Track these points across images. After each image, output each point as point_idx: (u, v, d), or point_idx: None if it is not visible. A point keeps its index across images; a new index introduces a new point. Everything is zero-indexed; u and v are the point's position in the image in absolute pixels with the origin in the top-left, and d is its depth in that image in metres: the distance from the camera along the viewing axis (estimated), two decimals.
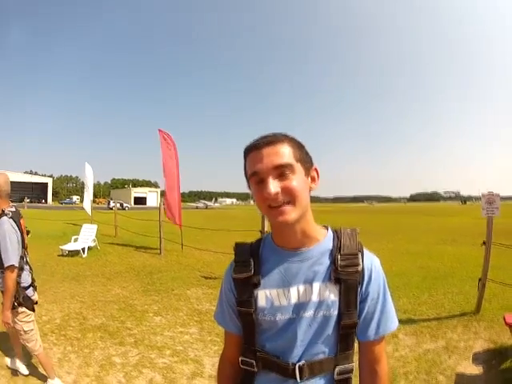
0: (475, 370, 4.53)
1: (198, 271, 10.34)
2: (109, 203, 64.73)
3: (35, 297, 4.01)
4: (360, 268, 1.32)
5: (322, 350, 1.33)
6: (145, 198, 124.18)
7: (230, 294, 1.46)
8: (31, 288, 3.94)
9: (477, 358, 4.78)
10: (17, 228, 3.72)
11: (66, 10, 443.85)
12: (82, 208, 23.98)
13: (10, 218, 3.67)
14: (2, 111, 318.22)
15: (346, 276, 1.30)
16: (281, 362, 1.33)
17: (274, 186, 1.23)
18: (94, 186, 29.64)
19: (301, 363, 1.31)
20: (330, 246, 1.37)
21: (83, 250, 12.73)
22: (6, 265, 3.53)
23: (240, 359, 1.43)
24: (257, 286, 1.37)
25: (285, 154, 1.26)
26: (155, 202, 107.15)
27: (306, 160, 1.34)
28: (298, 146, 1.33)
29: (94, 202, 24.69)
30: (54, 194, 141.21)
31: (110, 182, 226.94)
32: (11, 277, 3.57)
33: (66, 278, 9.18)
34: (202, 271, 10.35)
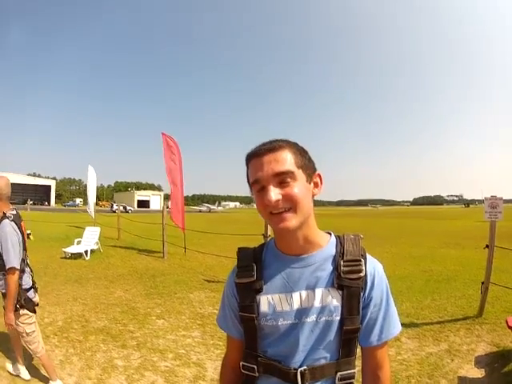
0: (477, 373, 4.51)
1: (200, 275, 10.33)
2: (112, 206, 64.80)
3: (36, 299, 4.02)
4: (363, 274, 1.32)
5: (324, 356, 1.33)
6: (148, 201, 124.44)
7: (232, 299, 1.46)
8: (32, 290, 3.95)
9: (479, 362, 4.76)
10: (18, 230, 3.74)
11: (67, 9, 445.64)
12: (85, 210, 24.02)
13: (12, 220, 3.70)
14: (6, 112, 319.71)
15: (348, 282, 1.30)
16: (282, 367, 1.33)
17: (274, 193, 1.23)
18: (98, 188, 29.71)
19: (302, 368, 1.30)
20: (333, 251, 1.36)
21: (86, 252, 12.74)
22: (7, 267, 3.55)
23: (241, 364, 1.43)
24: (259, 291, 1.36)
25: (285, 160, 1.26)
26: (158, 206, 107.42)
27: (308, 166, 1.34)
28: (300, 152, 1.33)
29: (97, 204, 24.75)
30: (57, 196, 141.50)
31: (113, 184, 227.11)
32: (13, 279, 3.58)
33: (68, 281, 9.20)
34: (204, 275, 10.34)
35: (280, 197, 1.23)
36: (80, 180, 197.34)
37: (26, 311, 3.82)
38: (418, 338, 5.55)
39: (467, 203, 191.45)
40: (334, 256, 1.35)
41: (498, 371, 4.52)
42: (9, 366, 4.36)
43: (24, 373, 4.28)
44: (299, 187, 1.26)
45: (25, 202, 40.07)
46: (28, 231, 16.70)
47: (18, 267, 3.63)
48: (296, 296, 1.33)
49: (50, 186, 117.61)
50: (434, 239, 19.64)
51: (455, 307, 7.00)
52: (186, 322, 6.39)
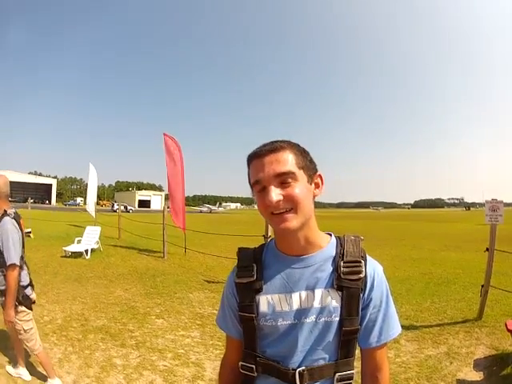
0: (476, 376, 4.50)
1: (200, 275, 10.33)
2: (113, 206, 64.82)
3: (33, 296, 4.03)
4: (363, 275, 1.32)
5: (323, 356, 1.33)
6: (149, 201, 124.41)
7: (232, 299, 1.46)
8: (29, 287, 3.96)
9: (478, 365, 4.76)
10: (18, 228, 3.77)
11: (67, 9, 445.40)
12: (86, 210, 24.03)
13: (13, 218, 3.73)
14: (8, 111, 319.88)
15: (348, 283, 1.30)
16: (281, 367, 1.33)
17: (275, 194, 1.23)
18: (99, 188, 29.68)
19: (301, 369, 1.30)
20: (333, 252, 1.37)
21: (86, 251, 12.75)
22: (8, 263, 3.56)
23: (240, 364, 1.43)
24: (259, 291, 1.37)
25: (287, 161, 1.27)
26: (159, 206, 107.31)
27: (309, 167, 1.34)
28: (301, 153, 1.33)
29: (98, 204, 24.74)
30: (58, 195, 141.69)
31: (114, 184, 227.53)
32: (13, 275, 3.59)
33: (68, 279, 9.20)
34: (204, 275, 10.34)
35: (281, 197, 1.23)
36: (81, 179, 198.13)
37: (23, 308, 3.83)
38: (418, 340, 5.55)
39: (468, 206, 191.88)
40: (334, 257, 1.35)
41: (497, 374, 4.52)
42: (9, 368, 4.36)
43: (25, 373, 4.28)
44: (300, 188, 1.26)
45: (25, 201, 40.11)
46: (28, 229, 16.85)
47: (18, 264, 3.65)
48: (296, 296, 1.34)
49: (50, 184, 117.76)
50: (434, 242, 19.63)
51: (455, 310, 6.99)
52: (186, 321, 6.39)
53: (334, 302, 1.30)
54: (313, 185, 1.35)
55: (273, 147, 1.28)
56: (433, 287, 8.96)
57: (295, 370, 1.30)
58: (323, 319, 1.31)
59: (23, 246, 3.85)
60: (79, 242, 13.67)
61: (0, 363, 4.50)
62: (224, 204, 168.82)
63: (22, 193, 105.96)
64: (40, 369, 4.31)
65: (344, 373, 1.33)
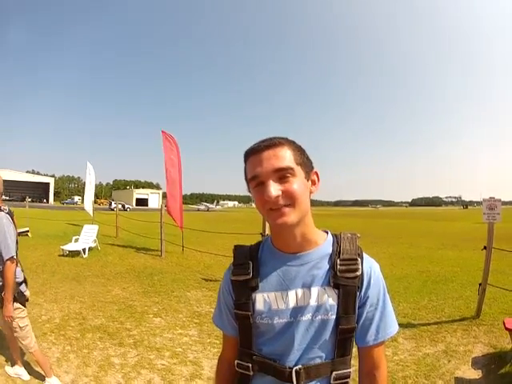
0: (474, 374, 4.51)
1: (198, 273, 10.33)
2: (110, 204, 64.74)
3: (27, 293, 4.03)
4: (359, 273, 1.31)
5: (319, 355, 1.33)
6: (146, 200, 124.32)
7: (228, 297, 1.45)
8: (24, 284, 3.97)
9: (476, 363, 4.77)
10: (13, 223, 3.80)
11: (67, 9, 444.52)
12: (84, 208, 24.01)
13: (7, 213, 3.76)
14: (6, 110, 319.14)
15: (345, 281, 1.30)
16: (277, 365, 1.33)
17: (274, 189, 1.22)
18: (96, 186, 29.70)
19: (297, 367, 1.30)
20: (330, 250, 1.36)
21: (84, 250, 12.74)
22: (6, 257, 3.58)
23: (236, 362, 1.43)
24: (255, 288, 1.36)
25: (285, 157, 1.26)
26: (157, 204, 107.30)
27: (306, 163, 1.34)
28: (299, 150, 1.33)
29: (95, 202, 24.73)
30: (56, 194, 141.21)
31: (111, 183, 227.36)
32: (11, 268, 3.61)
33: (66, 278, 9.19)
34: (202, 273, 10.34)
35: (280, 192, 1.23)
36: (79, 178, 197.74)
37: (18, 305, 3.83)
38: (415, 338, 5.56)
39: (465, 204, 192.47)
40: (331, 254, 1.35)
41: (495, 372, 4.53)
42: (7, 368, 4.35)
43: (23, 373, 4.27)
44: (298, 183, 1.26)
45: (23, 199, 39.95)
46: (26, 228, 16.83)
47: (16, 257, 3.69)
48: (292, 294, 1.33)
49: (48, 183, 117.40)
50: (431, 240, 19.69)
51: (452, 308, 7.01)
52: (183, 320, 6.40)
53: (331, 299, 1.30)
54: (309, 182, 1.35)
55: (271, 143, 1.28)
56: (430, 285, 8.98)
57: (292, 368, 1.30)
58: (320, 317, 1.31)
59: (17, 243, 3.86)
60: (77, 240, 13.65)
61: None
62: (221, 202, 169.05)
63: (20, 191, 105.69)
64: (38, 368, 4.30)
65: (341, 371, 1.33)
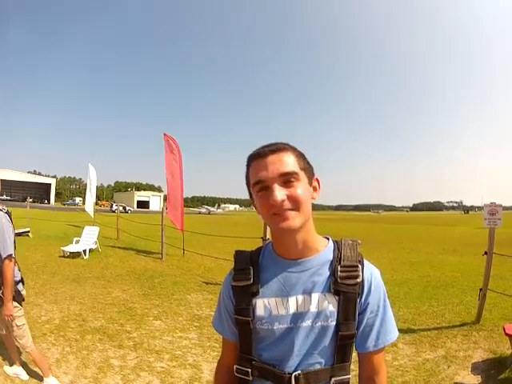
0: (474, 379, 4.50)
1: (198, 276, 10.33)
2: (111, 206, 64.82)
3: (24, 292, 4.05)
4: (360, 280, 1.32)
5: (319, 361, 1.33)
6: (148, 202, 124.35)
7: (228, 302, 1.45)
8: (21, 283, 3.99)
9: (476, 368, 4.76)
10: (11, 222, 3.83)
11: (67, 9, 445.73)
12: (85, 210, 24.03)
13: (6, 213, 3.79)
14: (7, 110, 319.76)
15: (345, 287, 1.30)
16: (277, 371, 1.33)
17: (280, 193, 1.23)
18: (97, 188, 29.66)
19: (297, 373, 1.30)
20: (330, 256, 1.37)
21: (84, 251, 12.76)
22: (5, 255, 3.61)
23: (235, 367, 1.43)
24: (255, 294, 1.36)
25: (289, 162, 1.27)
26: (158, 206, 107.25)
27: (308, 169, 1.35)
28: (301, 156, 1.34)
29: (96, 204, 24.75)
30: (57, 194, 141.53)
31: (113, 184, 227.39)
32: (10, 266, 3.64)
33: (66, 279, 9.20)
34: (202, 277, 10.34)
35: (285, 197, 1.23)
36: (80, 179, 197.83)
37: (16, 303, 3.84)
38: (415, 343, 5.55)
39: (467, 210, 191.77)
40: (332, 261, 1.35)
41: (494, 378, 4.52)
42: (6, 367, 4.36)
43: (22, 373, 4.28)
44: (302, 188, 1.27)
45: (24, 200, 40.04)
46: (27, 229, 16.85)
47: (14, 255, 3.71)
48: (292, 300, 1.33)
49: (50, 184, 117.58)
50: (432, 245, 19.65)
51: (453, 313, 6.99)
52: (183, 323, 6.39)
53: (331, 306, 1.30)
54: (311, 187, 1.36)
55: (275, 148, 1.29)
56: (431, 290, 8.96)
57: (291, 374, 1.30)
58: (320, 323, 1.31)
59: (14, 242, 3.88)
60: (77, 242, 13.67)
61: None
62: (223, 205, 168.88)
63: (21, 192, 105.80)
64: (37, 368, 4.29)
65: (340, 377, 1.33)
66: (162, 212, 14.47)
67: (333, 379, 1.32)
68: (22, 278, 4.02)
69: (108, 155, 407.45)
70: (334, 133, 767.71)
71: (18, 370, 4.28)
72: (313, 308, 1.31)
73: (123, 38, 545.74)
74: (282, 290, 1.35)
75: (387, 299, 1.39)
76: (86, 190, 23.63)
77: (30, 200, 29.09)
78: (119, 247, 15.68)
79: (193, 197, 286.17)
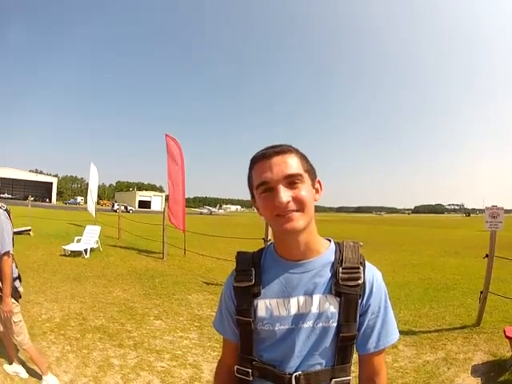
0: (474, 382, 4.50)
1: (200, 277, 10.33)
2: (113, 205, 64.84)
3: (21, 289, 4.06)
4: (361, 281, 1.32)
5: (320, 362, 1.33)
6: (149, 202, 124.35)
7: (229, 302, 1.46)
8: (18, 280, 4.01)
9: (476, 370, 4.75)
10: (10, 219, 3.86)
11: (68, 9, 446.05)
12: (86, 209, 24.05)
13: (5, 210, 3.82)
14: (9, 110, 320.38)
15: (346, 289, 1.30)
16: (277, 371, 1.33)
17: (285, 195, 1.23)
18: (99, 187, 29.68)
19: (297, 374, 1.30)
20: (332, 258, 1.37)
21: (86, 250, 12.78)
22: (3, 251, 3.63)
23: (235, 368, 1.43)
24: (257, 295, 1.37)
25: (294, 164, 1.28)
26: (160, 206, 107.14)
27: (311, 171, 1.35)
28: (304, 158, 1.35)
29: (98, 203, 24.76)
30: (59, 193, 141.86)
31: (114, 184, 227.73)
32: (9, 262, 3.66)
33: (67, 278, 9.21)
34: (204, 277, 10.34)
35: (290, 198, 1.24)
36: (82, 178, 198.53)
37: (13, 300, 3.85)
38: (416, 345, 5.54)
39: (468, 212, 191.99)
40: (333, 263, 1.35)
41: (494, 380, 4.51)
42: (6, 366, 4.36)
43: (22, 371, 4.29)
44: (306, 190, 1.28)
45: (26, 198, 40.12)
46: (28, 227, 16.88)
47: (12, 252, 3.74)
48: (294, 301, 1.34)
49: (51, 183, 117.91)
50: (433, 247, 19.62)
51: (453, 316, 6.98)
52: (184, 323, 6.40)
53: (332, 307, 1.31)
54: (314, 189, 1.36)
55: (279, 149, 1.29)
56: (432, 293, 8.95)
57: (291, 374, 1.31)
58: (321, 325, 1.31)
59: (12, 239, 3.90)
60: (79, 241, 13.68)
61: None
62: (224, 206, 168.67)
63: (23, 190, 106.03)
64: (36, 366, 4.30)
65: (340, 379, 1.34)
66: (164, 212, 14.49)
67: (333, 380, 1.33)
68: (19, 275, 4.04)
69: (110, 155, 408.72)
70: (336, 136, 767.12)
71: (17, 369, 4.28)
72: (314, 309, 1.31)
73: (124, 38, 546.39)
74: (284, 291, 1.35)
75: (388, 301, 1.40)
76: (87, 189, 23.66)
77: (32, 199, 29.12)
78: (120, 247, 15.71)
79: (194, 197, 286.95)
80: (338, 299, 1.30)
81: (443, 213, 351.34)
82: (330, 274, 1.33)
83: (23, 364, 4.39)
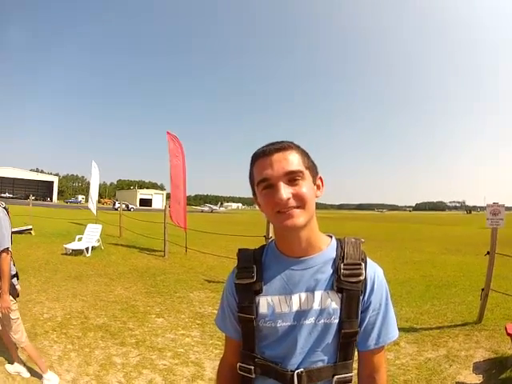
0: (475, 379, 4.50)
1: (201, 274, 10.34)
2: (114, 204, 64.77)
3: (18, 287, 4.07)
4: (363, 278, 1.32)
5: (322, 358, 1.33)
6: (150, 200, 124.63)
7: (231, 300, 1.46)
8: (15, 278, 4.02)
9: (477, 368, 4.75)
10: (8, 217, 3.88)
11: (68, 8, 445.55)
12: (87, 207, 24.06)
13: (3, 208, 3.85)
14: (10, 109, 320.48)
15: (348, 285, 1.30)
16: (280, 368, 1.33)
17: (285, 191, 1.23)
18: (100, 186, 29.69)
19: (299, 370, 1.30)
20: (333, 254, 1.37)
21: (87, 249, 12.80)
22: (1, 248, 3.64)
23: (238, 365, 1.43)
24: (259, 292, 1.36)
25: (295, 160, 1.28)
26: (161, 205, 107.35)
27: (312, 168, 1.35)
28: (306, 154, 1.35)
29: (99, 202, 24.75)
30: (60, 192, 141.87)
31: (116, 182, 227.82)
32: (6, 259, 3.68)
33: (68, 277, 9.22)
34: (205, 275, 10.35)
35: (290, 195, 1.24)
36: (83, 177, 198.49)
37: (10, 297, 3.86)
38: (417, 342, 5.54)
39: (469, 210, 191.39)
40: (335, 259, 1.35)
41: (496, 378, 4.51)
42: (7, 365, 4.37)
43: (23, 370, 4.29)
44: (307, 187, 1.27)
45: (27, 197, 40.13)
46: (29, 226, 16.91)
47: (10, 249, 3.76)
48: (295, 298, 1.33)
49: (52, 182, 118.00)
50: (435, 245, 19.62)
51: (455, 313, 6.98)
52: (186, 321, 6.40)
53: (334, 304, 1.30)
54: (315, 186, 1.36)
55: (280, 146, 1.29)
56: (433, 290, 8.96)
57: (294, 371, 1.30)
58: (322, 321, 1.31)
59: (11, 236, 3.91)
60: (80, 239, 13.69)
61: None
62: (225, 204, 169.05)
63: (24, 189, 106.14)
64: (32, 365, 4.31)
65: (343, 375, 1.33)
66: (165, 210, 14.49)
67: (335, 377, 1.32)
68: (16, 273, 4.05)
69: (111, 153, 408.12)
70: (338, 133, 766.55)
71: (19, 368, 4.29)
72: (316, 306, 1.31)
73: (125, 38, 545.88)
74: (285, 287, 1.35)
75: (389, 298, 1.39)
76: (88, 187, 23.68)
77: (33, 198, 29.16)
78: (122, 245, 15.74)
79: (196, 195, 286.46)
80: (340, 295, 1.30)
81: (444, 210, 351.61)
82: (331, 271, 1.33)
83: (24, 363, 4.39)
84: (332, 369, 1.33)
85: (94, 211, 21.54)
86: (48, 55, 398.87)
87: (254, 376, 1.38)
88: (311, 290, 1.33)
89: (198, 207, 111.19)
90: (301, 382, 1.30)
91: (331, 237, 1.46)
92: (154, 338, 5.60)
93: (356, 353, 1.40)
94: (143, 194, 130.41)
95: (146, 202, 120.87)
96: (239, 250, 1.50)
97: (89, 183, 23.93)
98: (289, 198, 1.23)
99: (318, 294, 1.32)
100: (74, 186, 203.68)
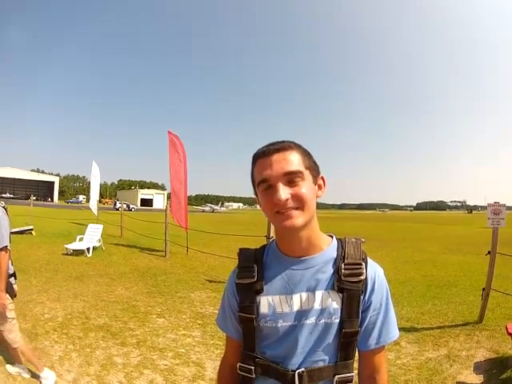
0: (476, 379, 4.49)
1: (202, 274, 10.34)
2: (115, 204, 64.81)
3: (15, 287, 4.08)
4: (363, 277, 1.32)
5: (323, 358, 1.33)
6: (151, 200, 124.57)
7: (232, 299, 1.46)
8: (13, 277, 4.02)
9: (478, 368, 4.75)
10: (7, 216, 3.90)
11: (68, 8, 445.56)
12: (88, 208, 24.06)
13: (2, 207, 3.88)
14: (11, 109, 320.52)
15: (349, 285, 1.30)
16: (280, 368, 1.33)
17: (284, 192, 1.23)
18: (101, 186, 29.74)
19: (300, 370, 1.30)
20: (334, 254, 1.37)
21: (88, 249, 12.80)
22: (0, 246, 3.65)
23: (238, 365, 1.43)
24: (259, 292, 1.36)
25: (294, 161, 1.27)
26: (162, 204, 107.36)
27: (313, 168, 1.35)
28: (307, 154, 1.34)
29: (100, 202, 24.74)
30: (61, 192, 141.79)
31: (116, 182, 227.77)
32: (5, 257, 3.70)
33: (69, 277, 9.22)
34: (206, 275, 10.35)
35: (289, 196, 1.24)
36: (84, 177, 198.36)
37: (7, 296, 3.87)
38: (418, 342, 5.54)
39: (470, 209, 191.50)
40: (335, 259, 1.35)
41: (496, 377, 4.51)
42: (8, 366, 4.37)
43: (24, 371, 4.29)
44: (307, 187, 1.27)
45: (28, 198, 40.19)
46: (30, 226, 16.92)
47: (9, 247, 3.77)
48: (296, 298, 1.33)
49: (53, 182, 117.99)
50: (435, 244, 19.62)
51: (456, 313, 6.98)
52: (187, 321, 6.40)
53: (335, 303, 1.30)
54: (316, 186, 1.36)
55: (280, 146, 1.29)
56: (434, 290, 8.95)
57: (294, 371, 1.30)
58: (323, 321, 1.31)
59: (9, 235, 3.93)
60: (81, 239, 13.69)
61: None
62: (226, 204, 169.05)
63: (24, 190, 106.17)
64: (32, 367, 4.31)
65: (343, 375, 1.33)
66: (166, 210, 14.50)
67: (336, 377, 1.32)
68: (14, 272, 4.05)
69: (111, 153, 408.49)
70: (339, 133, 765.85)
71: (20, 368, 4.29)
72: (316, 305, 1.31)
73: (125, 38, 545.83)
74: (286, 287, 1.35)
75: (390, 297, 1.40)
76: (89, 188, 23.69)
77: (34, 198, 29.16)
78: (123, 245, 15.74)
79: (196, 195, 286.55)
80: (341, 295, 1.30)
81: (445, 210, 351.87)
82: (332, 270, 1.33)
83: (25, 364, 4.39)
84: (333, 368, 1.33)
85: (95, 211, 21.54)
86: (48, 55, 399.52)
87: (254, 376, 1.38)
88: (312, 290, 1.33)
89: (199, 207, 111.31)
90: (302, 382, 1.29)
91: (332, 237, 1.46)
92: (155, 338, 5.60)
93: (357, 353, 1.40)
94: (144, 193, 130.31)
95: (146, 202, 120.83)
96: (240, 249, 1.49)
97: (89, 183, 23.94)
98: (287, 199, 1.23)
99: (318, 294, 1.32)
100: (74, 186, 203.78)
